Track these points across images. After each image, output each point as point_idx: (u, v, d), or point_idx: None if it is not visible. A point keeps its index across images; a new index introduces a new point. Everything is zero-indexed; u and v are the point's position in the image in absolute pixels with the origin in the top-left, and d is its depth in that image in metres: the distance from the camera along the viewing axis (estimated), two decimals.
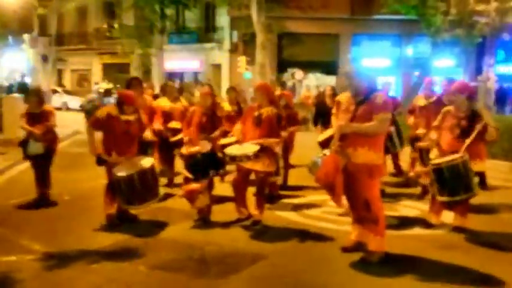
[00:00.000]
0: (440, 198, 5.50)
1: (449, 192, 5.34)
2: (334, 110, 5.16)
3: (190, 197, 5.89)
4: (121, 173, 5.69)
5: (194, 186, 5.89)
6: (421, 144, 6.93)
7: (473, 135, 5.36)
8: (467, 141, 5.37)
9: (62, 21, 36.04)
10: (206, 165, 5.99)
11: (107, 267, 4.73)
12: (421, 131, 7.28)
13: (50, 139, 6.95)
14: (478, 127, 5.38)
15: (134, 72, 29.98)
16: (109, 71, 33.80)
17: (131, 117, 6.03)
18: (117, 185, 5.72)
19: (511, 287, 4.34)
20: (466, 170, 5.26)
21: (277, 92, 10.49)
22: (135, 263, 4.81)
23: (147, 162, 5.90)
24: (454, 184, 5.28)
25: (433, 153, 5.80)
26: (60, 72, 37.30)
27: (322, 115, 7.57)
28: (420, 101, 7.72)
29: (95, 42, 33.66)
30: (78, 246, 5.24)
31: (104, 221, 5.90)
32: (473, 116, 5.49)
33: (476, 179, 5.33)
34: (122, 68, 32.57)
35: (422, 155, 6.96)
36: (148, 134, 6.50)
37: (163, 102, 8.03)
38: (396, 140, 7.41)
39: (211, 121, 6.76)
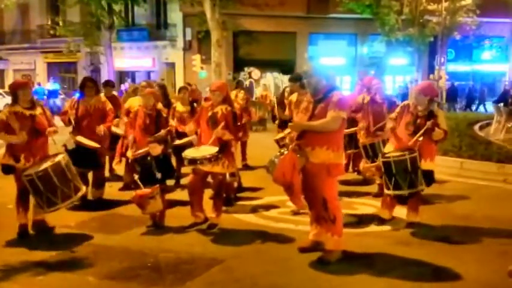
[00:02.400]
0: (386, 191, 5.70)
1: (394, 186, 5.54)
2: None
3: (141, 202, 5.63)
4: (33, 170, 5.27)
5: (144, 191, 5.64)
6: (365, 140, 7.21)
7: (422, 131, 5.53)
8: (416, 136, 5.54)
9: (2, 18, 33.99)
10: (157, 170, 5.80)
11: (53, 279, 4.47)
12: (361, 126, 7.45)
13: None
14: (428, 124, 5.55)
15: (82, 71, 29.04)
16: (54, 70, 32.54)
17: (36, 112, 5.61)
18: (33, 186, 5.25)
19: (463, 278, 4.45)
20: (413, 167, 5.45)
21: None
22: (84, 274, 4.57)
23: (60, 157, 5.48)
24: (399, 179, 5.47)
25: (388, 148, 5.95)
26: (1, 73, 35.47)
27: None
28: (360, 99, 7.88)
29: (38, 41, 32.09)
30: (21, 257, 4.92)
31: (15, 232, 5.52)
32: (430, 116, 5.65)
33: (421, 176, 5.51)
34: (68, 67, 31.59)
35: (367, 151, 7.09)
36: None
37: (135, 102, 7.75)
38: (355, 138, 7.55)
39: (156, 122, 6.59)
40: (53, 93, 25.39)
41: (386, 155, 5.66)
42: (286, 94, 8.35)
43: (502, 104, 12.14)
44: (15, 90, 5.62)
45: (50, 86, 26.39)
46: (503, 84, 26.30)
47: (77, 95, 7.35)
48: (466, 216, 6.40)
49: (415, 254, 4.97)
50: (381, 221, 6.03)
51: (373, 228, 5.93)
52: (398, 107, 6.08)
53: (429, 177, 5.73)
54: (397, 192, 5.58)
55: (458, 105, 24.56)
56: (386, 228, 5.89)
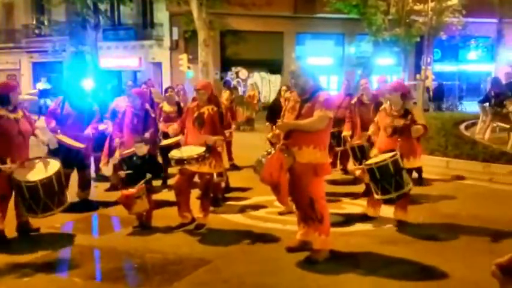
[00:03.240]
0: (376, 197, 5.72)
1: (381, 191, 5.56)
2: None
3: (127, 202, 5.59)
4: (24, 177, 5.23)
5: (130, 191, 5.60)
6: (354, 142, 7.23)
7: (391, 131, 5.65)
8: (386, 138, 5.69)
9: None
10: (144, 169, 5.76)
11: (39, 281, 4.42)
12: (346, 133, 7.53)
13: None
14: (396, 122, 5.66)
15: (67, 71, 28.72)
16: (40, 70, 31.62)
17: (19, 115, 5.52)
18: (32, 192, 5.21)
19: (449, 277, 4.47)
20: (396, 169, 5.47)
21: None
22: (70, 275, 4.53)
23: (53, 166, 5.44)
24: (385, 183, 5.49)
25: (373, 152, 5.98)
26: None
27: (275, 113, 7.53)
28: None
29: (23, 40, 31.43)
30: (7, 259, 4.86)
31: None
32: (406, 115, 5.73)
33: (406, 176, 5.55)
34: (53, 67, 30.91)
35: (355, 153, 7.14)
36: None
37: (121, 103, 7.73)
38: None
39: (143, 122, 6.53)
40: (44, 93, 24.93)
41: (368, 163, 5.68)
42: (282, 93, 8.36)
43: (487, 104, 12.22)
44: (6, 93, 5.46)
45: (41, 85, 25.98)
46: (488, 84, 26.57)
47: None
48: (452, 215, 6.44)
49: (402, 253, 5.00)
50: (367, 219, 6.06)
51: (360, 227, 5.95)
52: (379, 111, 6.14)
53: (418, 174, 5.78)
54: (385, 196, 5.59)
55: (444, 105, 24.75)
56: (372, 227, 5.92)
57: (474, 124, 13.54)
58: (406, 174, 5.58)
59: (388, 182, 5.47)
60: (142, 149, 5.88)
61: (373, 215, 6.11)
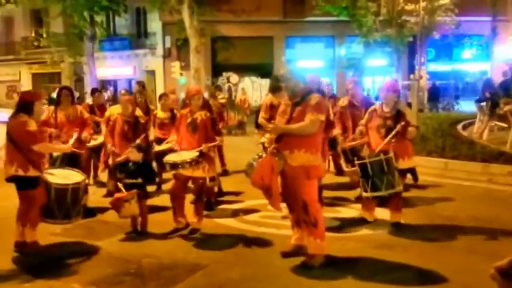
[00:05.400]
0: (364, 194, 5.71)
1: (371, 187, 5.56)
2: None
3: (116, 204, 5.59)
4: (54, 180, 5.27)
5: (121, 194, 5.62)
6: (346, 144, 7.08)
7: (392, 134, 5.63)
8: (387, 139, 5.63)
9: None
10: (137, 175, 5.79)
11: (38, 286, 4.46)
12: (336, 131, 7.34)
13: None
14: (398, 127, 5.64)
15: (66, 81, 29.38)
16: (39, 81, 32.74)
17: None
18: (61, 197, 5.26)
19: (449, 281, 4.36)
20: (389, 168, 5.48)
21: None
22: (68, 281, 4.54)
23: (77, 176, 5.55)
24: (377, 180, 5.50)
25: (364, 152, 5.99)
26: None
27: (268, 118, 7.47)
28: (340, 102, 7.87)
29: (22, 52, 32.41)
30: (7, 266, 4.93)
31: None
32: (398, 116, 5.75)
33: (398, 177, 5.55)
34: (52, 77, 31.91)
35: (347, 155, 7.05)
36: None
37: (115, 111, 7.67)
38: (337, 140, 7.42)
39: (134, 129, 6.54)
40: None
41: (362, 157, 5.69)
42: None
43: (484, 103, 12.14)
44: (32, 101, 5.31)
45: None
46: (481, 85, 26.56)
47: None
48: (450, 217, 6.33)
49: (400, 258, 4.89)
50: (363, 223, 5.97)
51: (356, 231, 5.84)
52: (367, 112, 6.12)
53: (412, 174, 5.76)
54: (375, 193, 5.58)
55: (440, 105, 24.67)
56: (369, 231, 5.80)
57: (471, 124, 13.44)
58: (398, 176, 5.55)
59: (380, 179, 5.48)
60: (134, 154, 5.88)
61: (370, 219, 6.03)
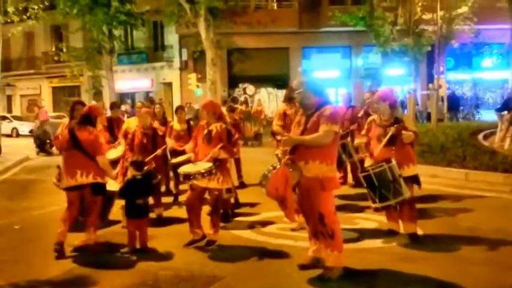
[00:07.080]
0: (373, 205, 5.61)
1: (379, 198, 5.47)
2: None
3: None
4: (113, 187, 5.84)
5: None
6: (363, 155, 6.91)
7: (387, 137, 5.56)
8: (381, 144, 5.60)
9: (9, 46, 34.93)
10: (135, 190, 5.69)
11: None
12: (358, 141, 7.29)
13: None
14: (393, 130, 5.55)
15: (85, 94, 29.85)
16: (59, 94, 33.63)
17: None
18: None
19: None
20: (394, 176, 5.40)
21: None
22: None
23: (115, 184, 6.02)
24: (383, 190, 5.42)
25: (367, 163, 5.92)
26: (9, 98, 36.66)
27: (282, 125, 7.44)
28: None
29: (43, 66, 33.26)
30: (28, 276, 4.96)
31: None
32: (397, 124, 5.64)
33: (404, 184, 5.44)
34: (72, 91, 32.61)
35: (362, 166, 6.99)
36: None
37: (133, 123, 7.72)
38: (352, 150, 7.34)
39: (153, 141, 6.55)
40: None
41: (365, 169, 5.62)
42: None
43: (506, 112, 11.91)
44: (95, 116, 5.85)
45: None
46: (506, 91, 26.11)
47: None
48: (472, 228, 6.18)
49: (419, 270, 4.77)
50: (387, 236, 5.86)
51: (374, 243, 5.74)
52: (366, 123, 6.08)
53: (416, 182, 5.68)
54: (384, 204, 5.50)
55: (460, 114, 24.27)
56: (388, 243, 5.69)
57: (493, 133, 13.20)
58: (404, 182, 5.45)
59: (387, 188, 5.40)
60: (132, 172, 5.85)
61: (398, 230, 5.90)
